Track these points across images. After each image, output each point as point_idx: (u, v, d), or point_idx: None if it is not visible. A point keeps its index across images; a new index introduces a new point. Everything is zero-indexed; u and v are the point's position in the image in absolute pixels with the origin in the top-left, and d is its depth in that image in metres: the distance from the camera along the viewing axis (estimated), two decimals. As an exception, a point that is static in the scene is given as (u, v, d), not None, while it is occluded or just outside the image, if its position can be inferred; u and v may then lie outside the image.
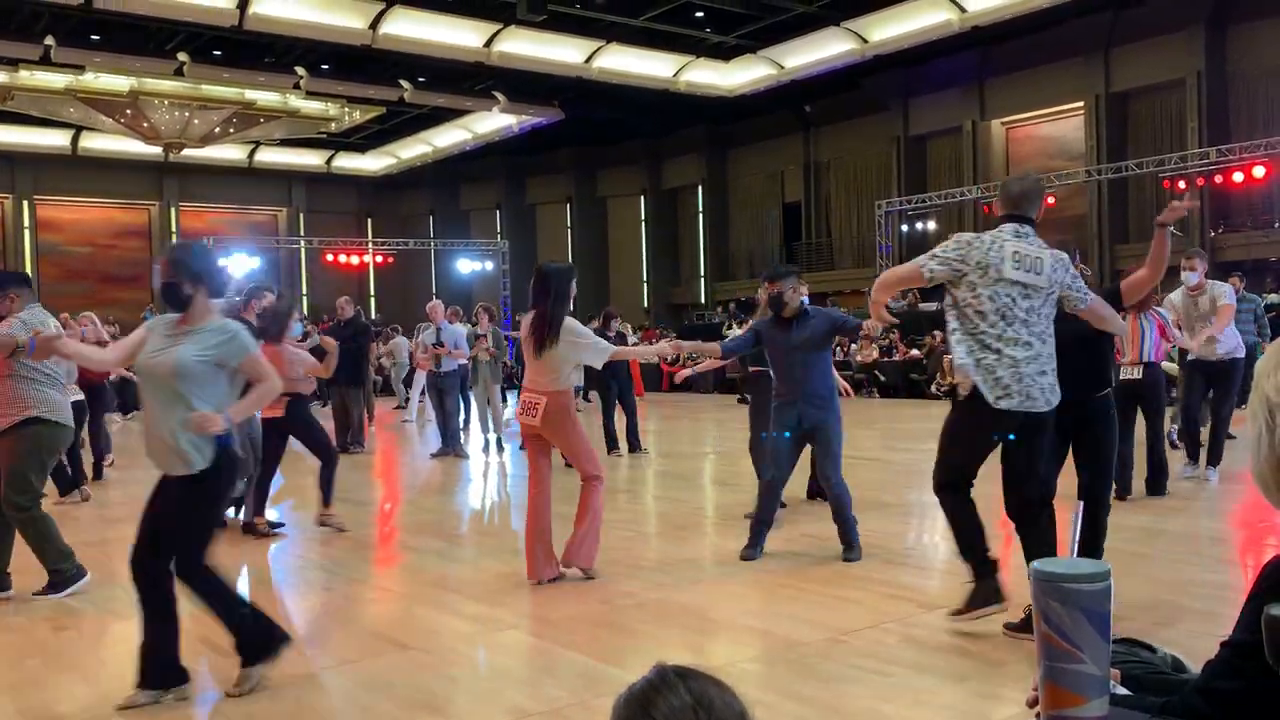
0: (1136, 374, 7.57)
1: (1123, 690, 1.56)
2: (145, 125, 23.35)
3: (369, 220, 33.77)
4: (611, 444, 11.35)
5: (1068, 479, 4.75)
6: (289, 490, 8.76)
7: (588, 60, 22.07)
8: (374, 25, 19.61)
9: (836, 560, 5.82)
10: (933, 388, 18.62)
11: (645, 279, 32.08)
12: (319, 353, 7.78)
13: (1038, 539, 4.27)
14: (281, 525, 7.41)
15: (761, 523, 6.00)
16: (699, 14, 20.49)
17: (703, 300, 30.36)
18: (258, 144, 28.90)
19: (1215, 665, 1.49)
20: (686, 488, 9.62)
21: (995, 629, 4.38)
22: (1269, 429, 1.39)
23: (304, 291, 32.40)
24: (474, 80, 23.55)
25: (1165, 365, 8.07)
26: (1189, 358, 8.44)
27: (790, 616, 4.74)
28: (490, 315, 11.96)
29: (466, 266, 31.31)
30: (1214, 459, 8.30)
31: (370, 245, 30.84)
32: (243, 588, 5.77)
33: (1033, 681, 1.53)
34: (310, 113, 24.92)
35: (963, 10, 19.57)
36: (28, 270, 28.46)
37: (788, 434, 5.92)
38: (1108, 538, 4.74)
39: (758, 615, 4.86)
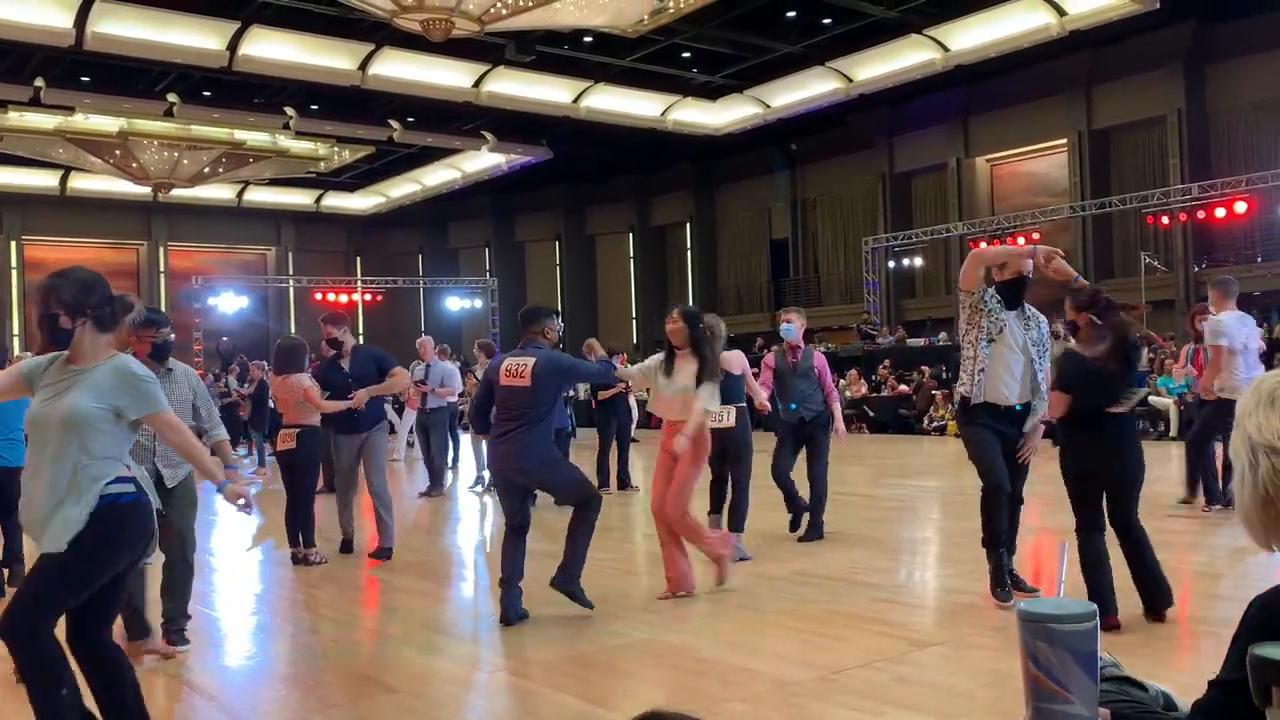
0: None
1: (1113, 731, 1.55)
2: (134, 165, 23.40)
3: (358, 259, 33.76)
4: (603, 480, 11.28)
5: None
6: (270, 528, 8.68)
7: (576, 100, 22.24)
8: (363, 66, 19.74)
9: (827, 598, 5.79)
10: (925, 423, 18.61)
11: (634, 315, 32.14)
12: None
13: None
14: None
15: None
16: (685, 54, 20.70)
17: (692, 336, 30.43)
18: (247, 183, 28.94)
19: (1203, 704, 1.49)
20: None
21: (987, 667, 4.36)
22: (1251, 468, 1.40)
23: (293, 331, 32.36)
24: (463, 120, 23.70)
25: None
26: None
27: (780, 656, 4.70)
28: (488, 352, 11.70)
29: (455, 304, 31.38)
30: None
31: (359, 284, 30.87)
32: (227, 630, 5.71)
33: (1022, 722, 1.52)
34: (299, 152, 25.02)
35: (945, 50, 19.81)
36: (14, 312, 28.38)
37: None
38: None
39: (747, 655, 4.81)
